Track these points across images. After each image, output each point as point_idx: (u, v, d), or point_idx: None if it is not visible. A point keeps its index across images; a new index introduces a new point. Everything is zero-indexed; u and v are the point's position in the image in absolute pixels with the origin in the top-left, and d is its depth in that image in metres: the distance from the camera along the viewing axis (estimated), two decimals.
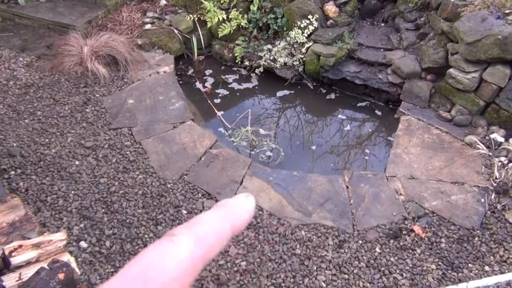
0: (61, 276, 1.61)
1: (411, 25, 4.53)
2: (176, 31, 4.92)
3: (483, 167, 3.40)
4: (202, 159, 3.47)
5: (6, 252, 1.84)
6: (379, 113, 4.43)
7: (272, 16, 4.78)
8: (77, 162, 3.33)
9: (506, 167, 3.27)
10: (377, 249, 2.83)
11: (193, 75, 4.88)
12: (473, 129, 3.78)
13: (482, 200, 3.13)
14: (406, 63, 4.17)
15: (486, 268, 2.71)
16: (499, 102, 3.67)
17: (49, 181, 3.14)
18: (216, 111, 4.28)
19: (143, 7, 5.34)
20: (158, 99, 4.10)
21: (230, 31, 4.80)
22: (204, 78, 4.85)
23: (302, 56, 4.54)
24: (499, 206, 3.06)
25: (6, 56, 4.50)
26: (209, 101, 4.40)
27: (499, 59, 3.52)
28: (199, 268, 0.42)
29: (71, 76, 4.23)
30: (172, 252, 0.39)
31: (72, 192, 3.08)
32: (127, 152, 3.47)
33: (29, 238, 2.02)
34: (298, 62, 4.55)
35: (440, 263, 2.74)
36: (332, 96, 4.64)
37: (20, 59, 4.48)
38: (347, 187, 3.27)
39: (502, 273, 2.66)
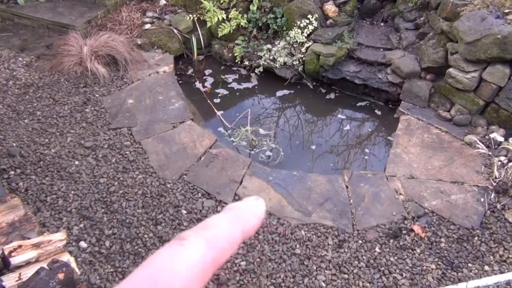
0: (60, 276, 1.61)
1: (410, 24, 4.53)
2: (175, 31, 4.92)
3: (483, 166, 3.40)
4: (202, 159, 3.47)
5: (6, 252, 1.84)
6: (378, 112, 4.43)
7: (272, 15, 4.78)
8: (76, 162, 3.33)
9: (506, 167, 3.27)
10: (377, 249, 2.83)
11: (193, 75, 4.88)
12: (473, 129, 3.78)
13: (482, 199, 3.13)
14: (406, 62, 4.17)
15: (486, 267, 2.71)
16: (499, 101, 3.67)
17: (49, 181, 3.14)
18: (215, 111, 4.28)
19: (143, 7, 5.34)
20: (157, 99, 4.10)
21: (229, 31, 4.79)
22: (204, 78, 4.85)
23: (302, 55, 4.54)
24: (498, 206, 3.06)
25: (5, 56, 4.50)
26: (208, 101, 4.40)
27: (498, 58, 3.52)
28: (211, 273, 0.40)
29: (71, 76, 4.23)
30: (183, 256, 0.38)
31: (72, 192, 3.08)
32: (127, 152, 3.46)
33: (28, 238, 2.02)
34: (297, 62, 4.55)
35: (439, 262, 2.74)
36: (332, 95, 4.64)
37: (20, 59, 4.48)
38: (347, 186, 3.27)
39: (501, 272, 2.66)
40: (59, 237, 2.01)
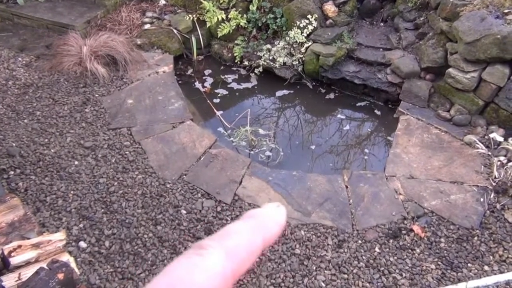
0: (60, 276, 1.61)
1: (410, 24, 4.54)
2: (175, 31, 4.92)
3: (482, 166, 3.41)
4: (202, 159, 3.47)
5: (6, 252, 1.84)
6: (378, 112, 4.43)
7: (272, 16, 4.78)
8: (76, 162, 3.33)
9: (505, 167, 3.28)
10: (377, 249, 2.83)
11: (193, 75, 4.88)
12: (472, 129, 3.78)
13: (482, 199, 3.13)
14: (405, 62, 4.18)
15: (486, 267, 2.72)
16: (498, 101, 3.67)
17: (48, 181, 3.14)
18: (215, 111, 4.28)
19: (142, 7, 5.34)
20: (157, 99, 4.10)
21: (229, 31, 4.79)
22: (204, 78, 4.85)
23: (302, 56, 4.54)
24: (498, 206, 3.06)
25: (5, 56, 4.50)
26: (208, 101, 4.40)
27: (498, 58, 3.53)
28: (230, 285, 0.39)
29: (70, 76, 4.23)
30: (202, 266, 0.37)
31: (72, 192, 3.08)
32: (126, 152, 3.46)
33: (28, 238, 2.02)
34: (297, 62, 4.55)
35: (439, 262, 2.74)
36: (332, 95, 4.64)
37: (19, 59, 4.47)
38: (347, 186, 3.28)
39: (501, 272, 2.66)
40: (59, 237, 2.02)
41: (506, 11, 3.62)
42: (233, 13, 4.79)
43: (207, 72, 4.94)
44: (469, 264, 2.74)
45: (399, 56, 4.29)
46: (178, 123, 3.82)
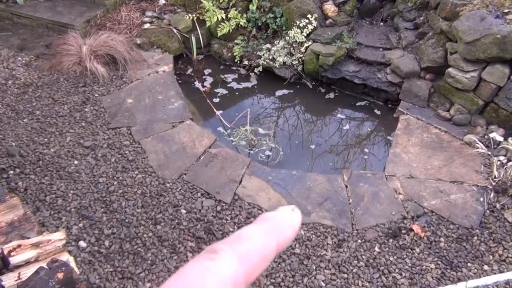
0: (60, 275, 1.60)
1: (410, 24, 4.54)
2: (175, 30, 4.92)
3: (482, 166, 3.41)
4: (201, 158, 3.47)
5: (5, 252, 1.83)
6: (378, 112, 4.43)
7: (271, 15, 4.78)
8: (76, 162, 3.33)
9: (505, 166, 3.28)
10: (376, 249, 2.83)
11: (192, 74, 4.88)
12: (472, 128, 3.78)
13: (481, 199, 3.13)
14: (405, 62, 4.18)
15: (485, 267, 2.72)
16: (498, 101, 3.68)
17: (48, 181, 3.14)
18: (215, 110, 4.28)
19: (142, 6, 5.34)
20: (157, 98, 4.09)
21: (229, 30, 4.79)
22: (203, 77, 4.85)
23: (301, 55, 4.54)
24: (498, 205, 3.06)
25: (4, 55, 4.49)
26: (208, 101, 4.40)
27: (498, 58, 3.53)
28: None
29: (70, 76, 4.23)
30: (214, 271, 0.36)
31: (71, 191, 3.08)
32: (126, 152, 3.46)
33: (28, 238, 2.02)
34: (297, 62, 4.55)
35: (439, 262, 2.74)
36: (331, 95, 4.64)
37: (19, 58, 4.47)
38: (346, 186, 3.28)
39: (501, 272, 2.66)
40: (59, 236, 2.02)
41: (506, 10, 3.62)
42: (233, 12, 4.79)
43: (206, 71, 4.94)
44: (468, 264, 2.74)
45: (399, 55, 4.29)
46: (177, 123, 3.82)
